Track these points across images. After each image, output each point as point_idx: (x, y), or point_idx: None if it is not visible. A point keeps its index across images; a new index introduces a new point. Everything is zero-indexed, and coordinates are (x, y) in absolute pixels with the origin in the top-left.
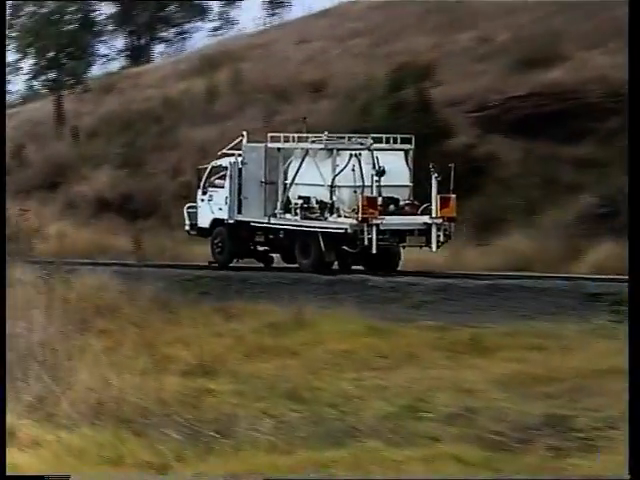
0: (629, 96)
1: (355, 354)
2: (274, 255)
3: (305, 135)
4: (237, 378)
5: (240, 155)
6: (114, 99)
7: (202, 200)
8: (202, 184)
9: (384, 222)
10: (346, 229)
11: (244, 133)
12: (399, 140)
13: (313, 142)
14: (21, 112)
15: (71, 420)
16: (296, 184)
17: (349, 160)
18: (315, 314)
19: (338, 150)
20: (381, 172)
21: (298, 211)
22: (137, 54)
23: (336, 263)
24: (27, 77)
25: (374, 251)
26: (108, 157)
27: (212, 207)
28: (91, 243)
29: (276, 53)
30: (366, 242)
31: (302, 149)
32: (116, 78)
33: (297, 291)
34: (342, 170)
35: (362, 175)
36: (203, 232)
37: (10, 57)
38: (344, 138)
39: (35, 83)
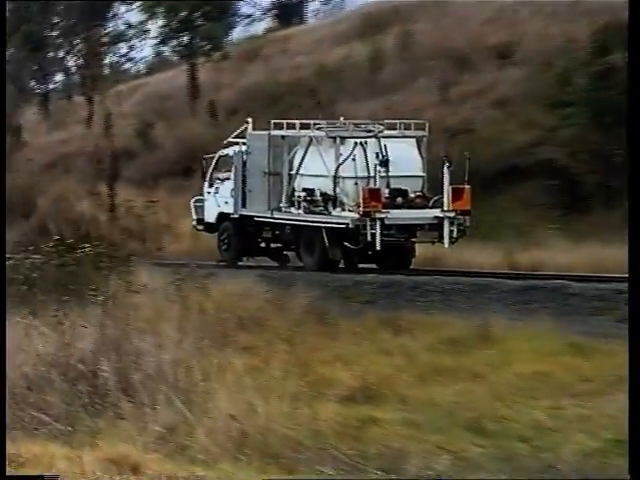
0: (629, 96)
1: (552, 377)
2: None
3: (308, 121)
4: (407, 405)
5: (245, 144)
6: (258, 68)
7: (208, 193)
8: (208, 175)
9: (389, 216)
10: (347, 224)
11: (249, 120)
12: (412, 127)
13: (318, 129)
14: (148, 84)
15: (208, 454)
16: (301, 175)
17: (353, 149)
18: (503, 328)
19: (342, 138)
20: (385, 162)
21: (301, 204)
22: (287, 14)
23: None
24: (155, 42)
25: (378, 247)
26: None
27: (218, 200)
28: None
29: (454, 11)
30: (369, 238)
31: (306, 137)
32: (261, 43)
33: (480, 299)
34: (345, 160)
35: (367, 165)
36: (210, 227)
37: (135, 18)
38: (352, 125)
39: (164, 49)
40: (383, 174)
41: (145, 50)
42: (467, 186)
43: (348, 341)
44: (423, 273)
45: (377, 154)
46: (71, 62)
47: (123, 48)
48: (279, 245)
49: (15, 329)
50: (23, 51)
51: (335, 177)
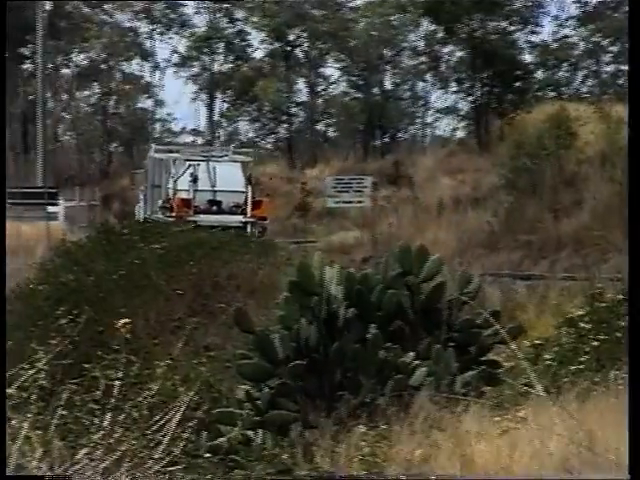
0: (629, 95)
1: None
2: None
3: (172, 147)
4: None
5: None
6: None
7: (141, 200)
8: (140, 186)
9: (200, 219)
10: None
11: (152, 144)
12: (238, 153)
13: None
14: None
15: None
16: (167, 188)
17: (186, 169)
18: None
19: (177, 160)
20: (194, 179)
21: (161, 209)
22: None
23: None
24: None
25: None
26: None
27: (142, 206)
28: None
29: None
30: None
31: (166, 159)
32: None
33: None
34: (179, 176)
35: (194, 181)
36: None
37: None
38: (197, 149)
39: None
40: (201, 188)
41: None
42: (266, 198)
43: None
44: None
45: (191, 174)
46: None
47: None
48: None
49: None
50: None
51: (174, 189)
